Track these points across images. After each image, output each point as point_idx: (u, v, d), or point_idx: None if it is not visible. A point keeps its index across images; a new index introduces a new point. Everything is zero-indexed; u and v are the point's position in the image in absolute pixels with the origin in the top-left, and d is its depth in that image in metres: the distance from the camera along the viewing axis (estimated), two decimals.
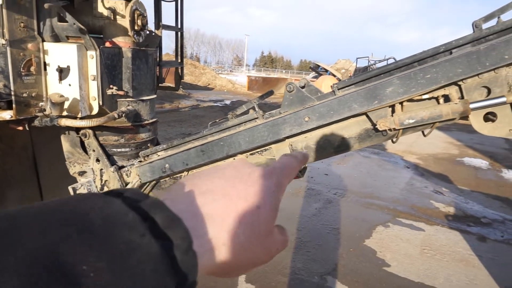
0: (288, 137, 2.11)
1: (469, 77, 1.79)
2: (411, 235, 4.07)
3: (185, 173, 2.40)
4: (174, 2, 3.63)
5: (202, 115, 11.88)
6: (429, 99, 1.90)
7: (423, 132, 2.15)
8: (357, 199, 5.12)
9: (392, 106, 1.92)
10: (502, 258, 3.76)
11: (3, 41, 1.89)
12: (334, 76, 23.97)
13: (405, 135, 2.11)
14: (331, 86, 2.12)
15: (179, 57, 3.81)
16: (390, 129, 1.90)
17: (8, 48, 1.91)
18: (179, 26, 3.64)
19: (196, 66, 27.49)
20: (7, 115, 2.00)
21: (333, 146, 2.13)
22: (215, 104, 15.51)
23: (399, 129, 1.93)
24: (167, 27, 3.43)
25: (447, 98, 1.87)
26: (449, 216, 4.75)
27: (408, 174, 6.73)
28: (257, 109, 2.15)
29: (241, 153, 2.17)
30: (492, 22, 1.88)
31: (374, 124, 1.97)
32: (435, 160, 7.94)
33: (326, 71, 26.15)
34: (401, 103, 1.90)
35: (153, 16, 3.30)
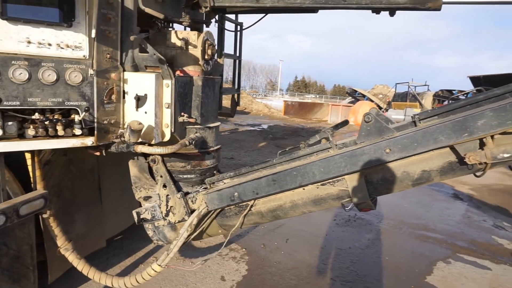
0: (364, 168, 2.03)
1: None
2: (476, 274, 3.76)
3: (253, 201, 2.37)
4: (233, 32, 3.74)
5: (242, 139, 11.95)
6: None
7: (510, 166, 2.01)
8: (411, 231, 4.85)
9: (481, 139, 1.82)
10: None
11: (92, 71, 1.98)
12: (372, 101, 23.60)
13: (493, 169, 1.98)
14: (411, 116, 2.05)
15: (236, 84, 3.88)
16: (481, 163, 1.78)
17: (95, 78, 2.01)
18: (237, 55, 3.73)
19: None
20: (89, 141, 2.07)
21: (411, 179, 2.03)
22: (253, 128, 15.59)
23: (489, 163, 1.82)
24: (228, 56, 3.53)
25: None
26: None
27: (462, 206, 6.33)
28: (331, 139, 2.10)
29: (314, 183, 2.11)
30: None
31: (460, 157, 1.86)
32: (489, 192, 7.45)
33: (363, 96, 25.84)
34: (492, 136, 1.79)
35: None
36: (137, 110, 2.20)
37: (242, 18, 3.72)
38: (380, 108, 21.67)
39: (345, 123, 2.27)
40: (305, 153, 2.16)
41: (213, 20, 3.00)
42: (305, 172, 2.05)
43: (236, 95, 3.87)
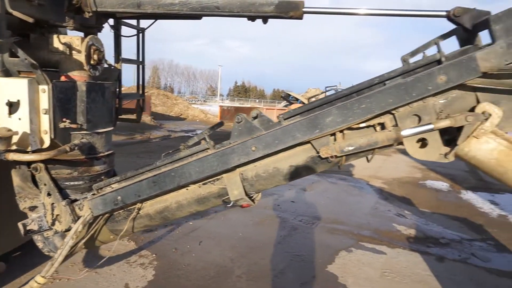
0: (238, 166, 2.17)
1: (400, 106, 1.94)
2: (372, 259, 4.14)
3: (139, 204, 2.40)
4: (135, 37, 3.72)
5: (173, 146, 11.77)
6: (367, 127, 2.03)
7: (366, 157, 2.27)
8: (322, 225, 5.19)
9: (334, 135, 2.04)
10: (459, 277, 3.88)
11: None
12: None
13: (349, 161, 2.23)
14: (277, 116, 2.23)
15: (140, 90, 3.87)
16: (332, 156, 2.01)
17: None
18: (140, 60, 3.72)
19: (169, 97, 27.52)
20: None
21: (282, 174, 2.21)
22: (187, 135, 15.48)
23: (340, 156, 2.05)
24: (128, 61, 3.50)
25: (383, 126, 2.01)
26: (410, 238, 4.88)
27: (373, 198, 6.90)
28: (207, 139, 2.21)
29: (192, 183, 2.20)
30: (419, 57, 2.07)
31: (318, 152, 2.08)
32: (399, 184, 8.21)
33: (297, 99, 26.85)
34: (341, 131, 2.02)
35: (113, 51, 3.37)
36: (9, 116, 2.12)
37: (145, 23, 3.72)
38: None
39: (220, 124, 2.40)
40: (186, 154, 2.25)
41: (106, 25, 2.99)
42: (182, 172, 2.14)
43: (141, 100, 3.86)
